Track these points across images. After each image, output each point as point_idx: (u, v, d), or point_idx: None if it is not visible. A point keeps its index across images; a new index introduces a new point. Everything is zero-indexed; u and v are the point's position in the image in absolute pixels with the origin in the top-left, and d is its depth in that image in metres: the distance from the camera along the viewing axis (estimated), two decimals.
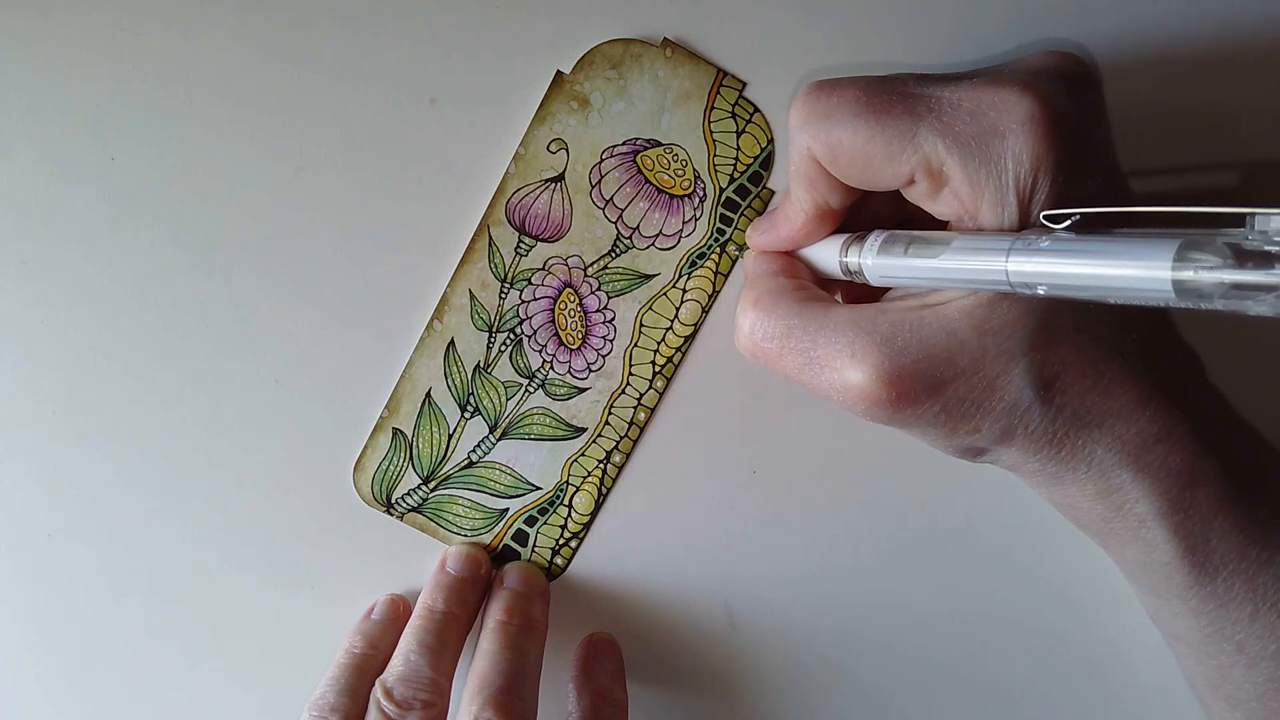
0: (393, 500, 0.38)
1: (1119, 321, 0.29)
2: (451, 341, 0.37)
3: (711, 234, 0.36)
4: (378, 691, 0.33)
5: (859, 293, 0.33)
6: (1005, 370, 0.29)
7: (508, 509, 0.38)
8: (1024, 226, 0.28)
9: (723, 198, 0.36)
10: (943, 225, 0.30)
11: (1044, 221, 0.27)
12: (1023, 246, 0.26)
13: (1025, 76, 0.28)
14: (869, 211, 0.33)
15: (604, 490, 0.37)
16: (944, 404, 0.29)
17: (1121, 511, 0.30)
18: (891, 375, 0.29)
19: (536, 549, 0.38)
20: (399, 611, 0.37)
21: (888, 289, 0.32)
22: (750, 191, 0.36)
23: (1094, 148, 0.29)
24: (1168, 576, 0.30)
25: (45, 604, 0.38)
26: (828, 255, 0.32)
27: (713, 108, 0.36)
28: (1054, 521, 0.37)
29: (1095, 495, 0.30)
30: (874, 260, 0.30)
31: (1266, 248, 0.21)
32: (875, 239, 0.30)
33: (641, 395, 0.37)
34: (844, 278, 0.32)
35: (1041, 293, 0.25)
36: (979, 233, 0.28)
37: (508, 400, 0.37)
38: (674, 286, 0.37)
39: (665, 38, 0.36)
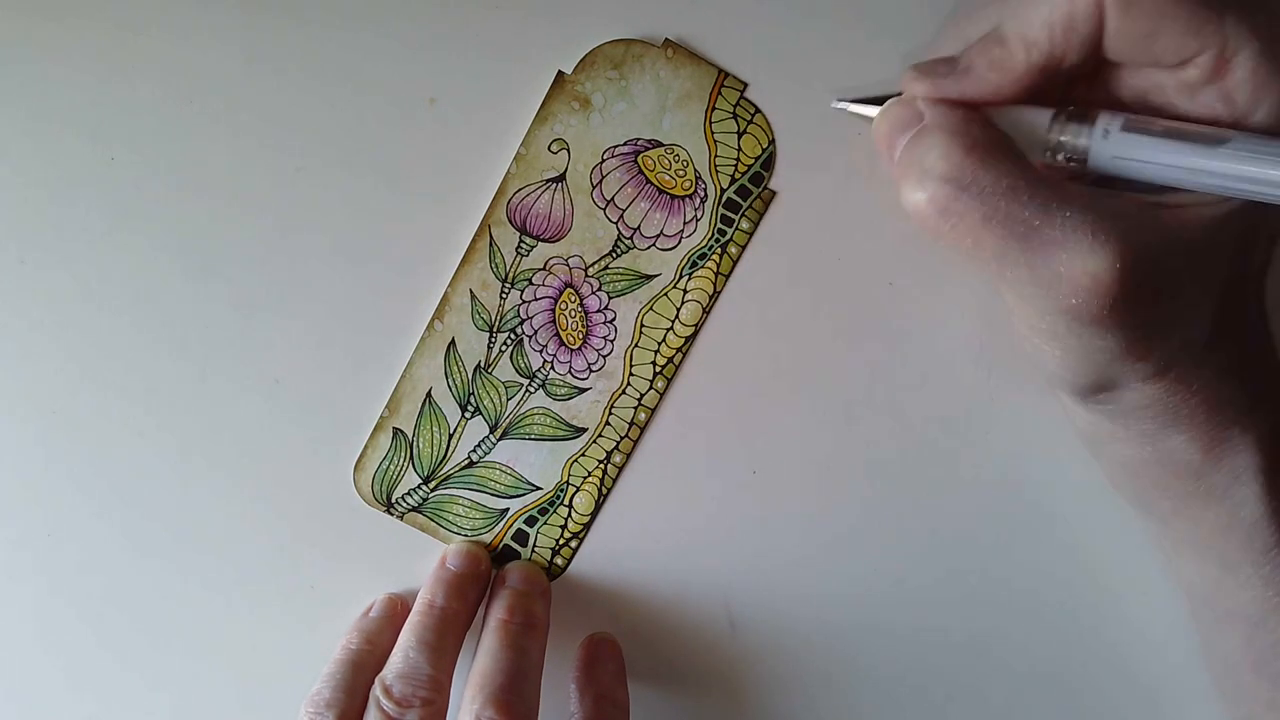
0: (393, 500, 0.38)
1: (1258, 276, 0.29)
2: (452, 341, 0.37)
3: (712, 235, 0.36)
4: (377, 689, 0.33)
5: None
6: (1205, 298, 0.28)
7: (508, 509, 0.38)
8: None
9: (724, 198, 0.36)
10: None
11: None
12: None
13: None
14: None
15: (604, 490, 0.37)
16: (1149, 318, 0.27)
17: (1219, 465, 0.30)
18: (1130, 270, 0.26)
19: (536, 549, 0.38)
20: (397, 610, 0.37)
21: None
22: (751, 192, 0.36)
23: None
24: (1248, 539, 0.30)
25: (45, 603, 0.38)
26: (1031, 124, 0.28)
27: (714, 108, 0.36)
28: (1054, 522, 0.37)
29: (1201, 448, 0.30)
30: (1115, 141, 0.27)
31: None
32: (1112, 117, 0.27)
33: (642, 395, 0.37)
34: (1038, 158, 0.28)
35: None
36: (1263, 137, 0.26)
37: (508, 400, 0.37)
38: (675, 287, 0.37)
39: (667, 38, 0.36)
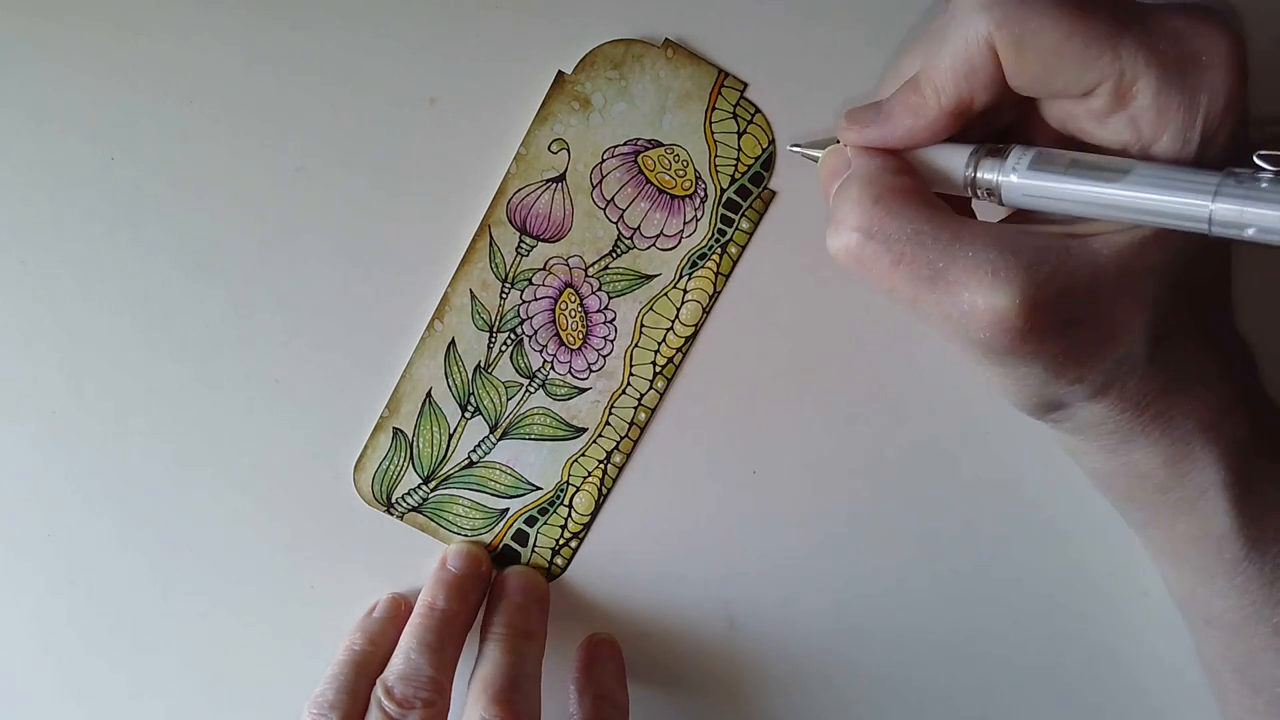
0: (393, 500, 0.38)
1: (1216, 287, 0.29)
2: (452, 341, 0.37)
3: (712, 235, 0.36)
4: (378, 690, 0.33)
5: (968, 214, 0.30)
6: (1131, 321, 0.27)
7: (508, 509, 0.38)
8: (1199, 166, 0.26)
9: (724, 198, 0.36)
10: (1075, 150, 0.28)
11: (1259, 162, 0.25)
12: (1234, 185, 0.24)
13: (1219, 13, 0.27)
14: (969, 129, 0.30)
15: (604, 490, 0.37)
16: (1068, 345, 0.27)
17: (1184, 480, 0.30)
18: (1033, 304, 0.26)
19: (536, 549, 0.38)
20: (400, 610, 0.37)
21: (1009, 212, 0.30)
22: (751, 192, 0.36)
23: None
24: (1219, 551, 0.30)
25: (45, 604, 0.38)
26: (949, 164, 0.29)
27: (714, 108, 0.36)
28: (1053, 523, 0.37)
29: (1162, 463, 0.30)
30: (1021, 178, 0.27)
31: None
32: (1022, 153, 0.28)
33: (642, 395, 0.37)
34: (960, 193, 0.29)
35: (1249, 235, 0.24)
36: (1165, 164, 0.26)
37: (508, 400, 0.37)
38: (675, 287, 0.37)
39: (667, 38, 0.36)
